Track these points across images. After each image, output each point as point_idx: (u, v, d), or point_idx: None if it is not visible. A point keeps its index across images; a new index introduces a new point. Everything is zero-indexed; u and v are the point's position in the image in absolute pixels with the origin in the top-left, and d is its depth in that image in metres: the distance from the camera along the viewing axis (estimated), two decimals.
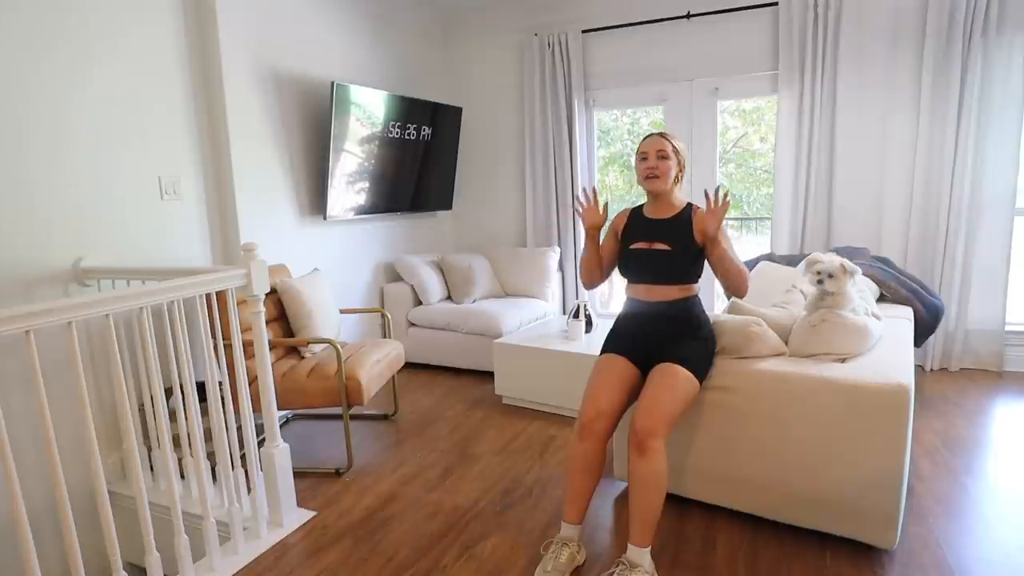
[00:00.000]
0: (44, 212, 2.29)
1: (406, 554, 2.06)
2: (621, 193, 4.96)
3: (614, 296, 5.03)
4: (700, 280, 2.08)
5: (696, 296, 2.08)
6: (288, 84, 3.38)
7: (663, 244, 2.03)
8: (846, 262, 2.11)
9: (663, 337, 2.02)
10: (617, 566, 1.83)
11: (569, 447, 1.99)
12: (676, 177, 2.07)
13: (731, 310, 2.27)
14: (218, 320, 2.17)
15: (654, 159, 2.03)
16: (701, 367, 2.01)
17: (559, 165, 4.51)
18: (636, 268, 2.09)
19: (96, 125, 2.46)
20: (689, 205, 2.08)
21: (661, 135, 2.06)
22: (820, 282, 2.12)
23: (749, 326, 2.12)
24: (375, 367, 2.84)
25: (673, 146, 2.04)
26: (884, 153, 3.70)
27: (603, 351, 2.13)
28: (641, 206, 2.16)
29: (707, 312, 2.13)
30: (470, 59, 4.83)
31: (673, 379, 1.92)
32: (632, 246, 2.10)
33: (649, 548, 1.83)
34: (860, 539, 1.94)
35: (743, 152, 4.61)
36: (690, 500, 2.29)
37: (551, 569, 1.85)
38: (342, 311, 3.33)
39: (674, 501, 2.28)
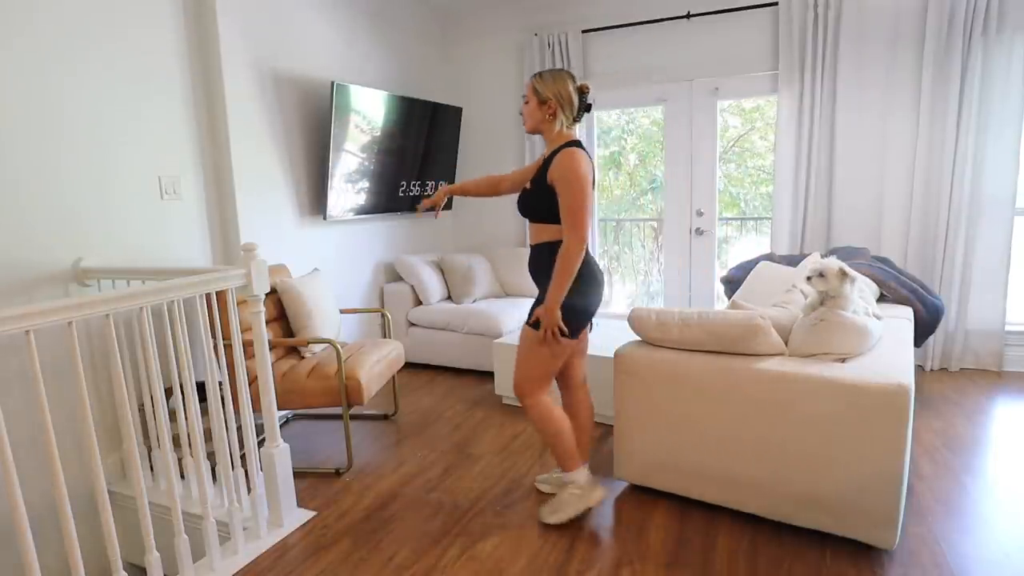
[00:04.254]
0: (44, 212, 2.29)
1: (406, 554, 2.06)
2: (621, 193, 4.96)
3: (614, 296, 5.03)
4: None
5: (559, 242, 1.96)
6: (288, 84, 3.38)
7: (529, 183, 2.09)
8: (845, 266, 2.10)
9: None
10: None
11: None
12: (549, 116, 1.99)
13: (731, 308, 2.26)
14: (218, 320, 2.17)
15: (523, 104, 2.08)
16: (546, 319, 1.97)
17: None
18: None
19: (96, 125, 2.46)
20: (564, 147, 1.96)
21: (533, 77, 2.03)
22: (809, 279, 2.12)
23: (755, 319, 2.09)
24: (375, 367, 2.84)
25: (534, 87, 2.00)
26: (884, 153, 3.70)
27: None
28: None
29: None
30: (470, 59, 4.83)
31: (521, 343, 2.09)
32: None
33: (572, 472, 2.17)
34: (860, 539, 1.94)
35: (743, 152, 4.61)
36: (690, 500, 2.29)
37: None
38: (342, 311, 3.33)
39: (674, 501, 2.29)
